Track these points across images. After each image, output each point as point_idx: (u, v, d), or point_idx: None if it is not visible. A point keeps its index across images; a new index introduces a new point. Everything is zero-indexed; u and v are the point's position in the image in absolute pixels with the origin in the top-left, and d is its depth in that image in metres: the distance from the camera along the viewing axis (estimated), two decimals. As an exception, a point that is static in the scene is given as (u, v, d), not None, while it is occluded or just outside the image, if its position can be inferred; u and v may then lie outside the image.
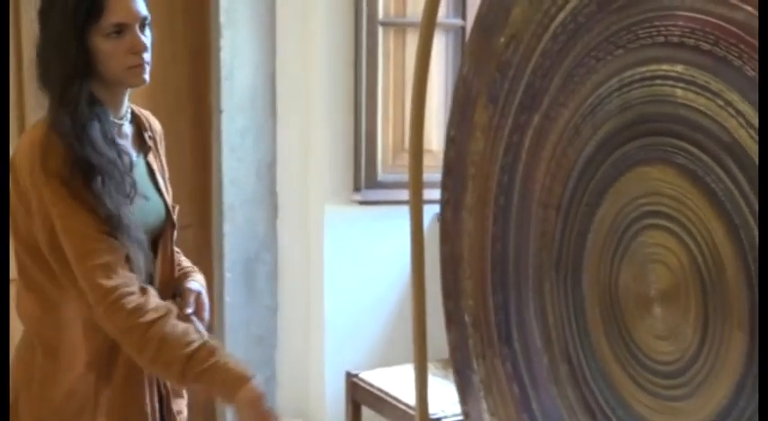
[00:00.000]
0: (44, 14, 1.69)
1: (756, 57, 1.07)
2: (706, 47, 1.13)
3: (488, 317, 1.60)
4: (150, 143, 1.87)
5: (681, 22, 1.17)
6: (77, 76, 1.65)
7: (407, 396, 2.90)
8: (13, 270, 1.84)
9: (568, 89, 1.38)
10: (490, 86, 1.53)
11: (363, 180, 3.28)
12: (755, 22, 1.06)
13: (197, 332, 1.77)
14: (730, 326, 1.13)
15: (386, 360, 3.31)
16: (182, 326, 1.75)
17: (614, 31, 1.28)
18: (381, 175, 3.30)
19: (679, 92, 1.18)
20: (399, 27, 3.29)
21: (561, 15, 1.39)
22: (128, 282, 1.72)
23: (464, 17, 3.31)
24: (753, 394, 1.11)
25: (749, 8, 1.07)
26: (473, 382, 1.65)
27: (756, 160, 1.08)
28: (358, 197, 3.42)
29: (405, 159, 3.06)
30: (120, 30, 1.66)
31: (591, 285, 1.37)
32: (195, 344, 1.72)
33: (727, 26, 1.10)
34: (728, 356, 1.14)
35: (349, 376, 3.14)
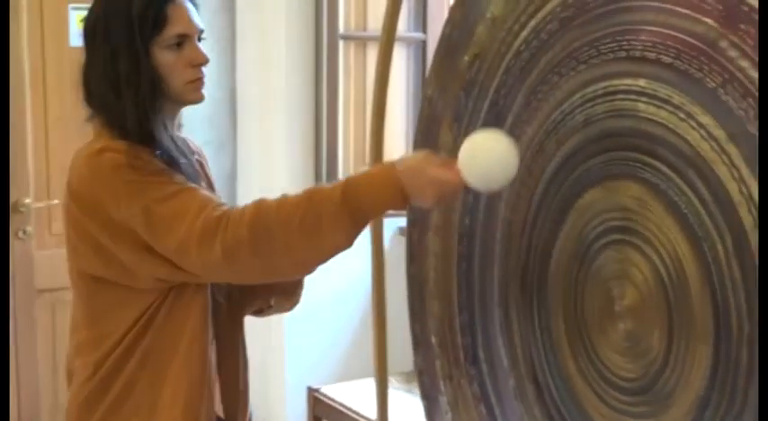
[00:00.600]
0: (99, 25, 1.54)
1: (717, 69, 1.08)
2: (667, 60, 1.14)
3: (455, 339, 1.59)
4: (198, 167, 1.67)
5: (643, 37, 1.17)
6: (152, 91, 1.52)
7: (369, 410, 2.88)
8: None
9: (532, 106, 1.38)
10: (454, 106, 1.53)
11: (324, 193, 3.26)
12: (715, 34, 1.07)
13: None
14: (695, 340, 1.13)
15: (347, 374, 3.29)
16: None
17: (577, 46, 1.28)
18: (342, 189, 3.29)
19: (641, 106, 1.18)
20: (360, 41, 3.28)
21: (524, 33, 1.39)
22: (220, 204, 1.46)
23: (425, 31, 3.32)
24: (717, 410, 1.11)
25: (709, 21, 1.08)
26: (440, 404, 1.64)
27: (718, 173, 1.08)
28: (319, 210, 3.39)
29: (366, 172, 3.06)
30: (181, 42, 1.54)
31: (556, 303, 1.37)
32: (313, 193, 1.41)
33: (689, 39, 1.11)
34: (693, 371, 1.14)
35: (310, 391, 3.12)
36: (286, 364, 3.36)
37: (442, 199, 1.36)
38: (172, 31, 1.53)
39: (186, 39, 1.55)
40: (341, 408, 3.09)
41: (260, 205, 1.41)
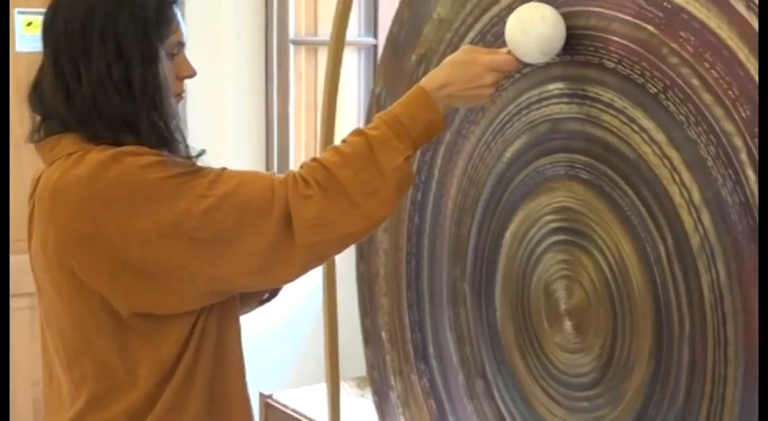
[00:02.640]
0: (95, 24, 1.34)
1: (658, 74, 1.10)
2: (610, 65, 1.16)
3: (405, 334, 1.60)
4: None
5: (586, 41, 1.19)
6: (170, 98, 1.36)
7: (322, 415, 2.87)
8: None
9: (479, 107, 1.39)
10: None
11: (275, 197, 3.26)
12: (655, 40, 1.10)
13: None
14: (637, 337, 1.16)
15: (300, 380, 3.28)
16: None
17: (522, 50, 1.30)
18: (293, 194, 3.29)
19: (585, 109, 1.20)
20: (311, 46, 3.29)
21: (470, 35, 1.41)
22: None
23: (376, 36, 3.34)
24: (661, 404, 1.14)
25: (650, 28, 1.11)
26: (390, 399, 1.65)
27: (660, 177, 1.11)
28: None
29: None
30: (178, 51, 1.40)
31: (503, 301, 1.39)
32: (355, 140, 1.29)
33: (630, 45, 1.13)
34: (635, 368, 1.16)
35: (262, 397, 3.11)
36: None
37: (498, 83, 1.30)
38: (176, 37, 1.39)
39: (182, 49, 1.41)
40: (293, 414, 3.07)
41: (314, 162, 1.29)
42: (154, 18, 1.33)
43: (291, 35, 3.24)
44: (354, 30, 3.33)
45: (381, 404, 1.68)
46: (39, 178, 1.36)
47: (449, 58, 1.30)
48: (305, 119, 3.37)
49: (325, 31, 3.25)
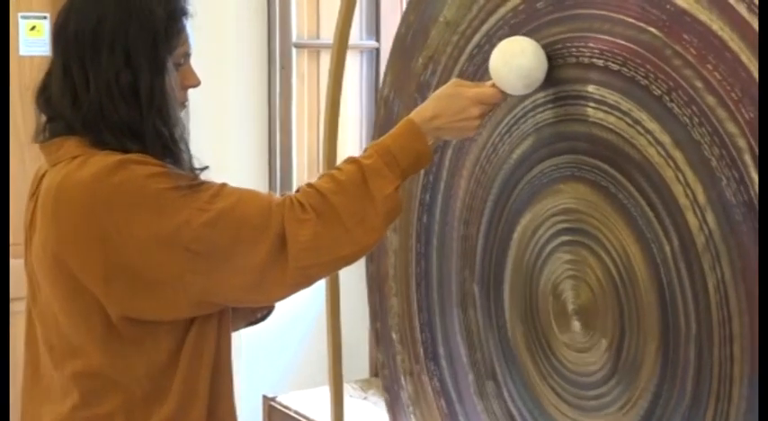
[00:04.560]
0: (105, 30, 1.35)
1: (662, 77, 1.11)
2: (614, 67, 1.17)
3: (415, 335, 1.62)
4: None
5: (591, 44, 1.21)
6: (175, 107, 1.38)
7: (325, 418, 2.88)
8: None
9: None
10: (410, 108, 1.55)
11: (277, 200, 3.27)
12: (659, 42, 1.11)
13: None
14: (644, 336, 1.17)
15: (303, 382, 3.29)
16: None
17: (527, 52, 1.31)
18: (296, 197, 3.30)
19: (590, 111, 1.21)
20: (313, 49, 3.30)
21: (477, 37, 1.42)
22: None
23: (378, 39, 3.34)
24: (667, 404, 1.15)
25: (654, 30, 1.12)
26: (401, 398, 1.66)
27: (665, 177, 1.12)
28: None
29: (320, 180, 3.07)
30: (185, 62, 1.42)
31: (512, 301, 1.40)
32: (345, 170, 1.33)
33: (634, 47, 1.14)
34: (643, 366, 1.17)
35: (266, 399, 3.11)
36: (240, 373, 3.34)
37: (484, 116, 1.34)
38: (183, 49, 1.41)
39: (188, 59, 1.44)
40: (296, 417, 3.07)
41: (310, 188, 1.33)
42: (163, 30, 1.36)
43: (294, 38, 3.25)
44: (357, 33, 3.33)
45: (393, 403, 1.70)
46: (41, 177, 1.38)
47: (436, 93, 1.36)
48: (307, 121, 3.38)
49: (328, 34, 3.26)
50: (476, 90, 1.32)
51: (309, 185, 1.33)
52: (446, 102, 1.33)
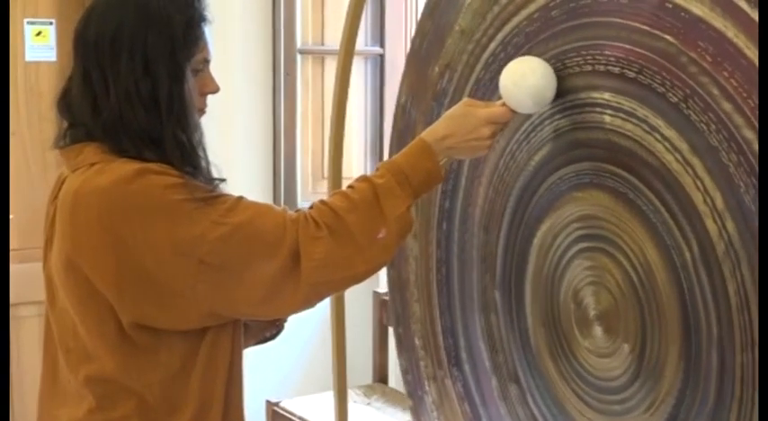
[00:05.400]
0: (123, 37, 1.34)
1: (678, 84, 1.12)
2: (631, 75, 1.18)
3: (437, 340, 1.63)
4: None
5: (607, 52, 1.21)
6: (194, 114, 1.39)
7: (329, 423, 2.88)
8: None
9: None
10: (427, 115, 1.57)
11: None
12: (674, 50, 1.12)
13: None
14: (666, 341, 1.18)
15: (307, 388, 3.29)
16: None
17: (544, 60, 1.32)
18: (300, 203, 3.28)
19: (607, 118, 1.22)
20: (318, 55, 3.30)
21: (492, 45, 1.43)
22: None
23: (382, 45, 3.35)
24: (692, 406, 1.16)
25: (669, 37, 1.13)
26: (425, 403, 1.68)
27: (684, 184, 1.13)
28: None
29: (324, 186, 3.04)
30: (204, 68, 1.42)
31: (534, 307, 1.41)
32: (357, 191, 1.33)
33: (650, 55, 1.15)
34: (665, 371, 1.18)
35: (269, 404, 3.12)
36: (244, 377, 3.36)
37: (495, 135, 1.35)
38: (202, 55, 1.42)
39: (207, 65, 1.45)
40: (300, 422, 3.06)
41: (324, 205, 1.34)
42: (182, 37, 1.36)
43: (298, 44, 3.26)
44: (362, 39, 3.34)
45: (417, 408, 1.71)
46: (62, 181, 1.40)
47: (448, 112, 1.37)
48: (312, 128, 3.39)
49: (333, 40, 3.27)
50: (487, 110, 1.34)
51: (323, 202, 1.34)
52: (458, 121, 1.34)
